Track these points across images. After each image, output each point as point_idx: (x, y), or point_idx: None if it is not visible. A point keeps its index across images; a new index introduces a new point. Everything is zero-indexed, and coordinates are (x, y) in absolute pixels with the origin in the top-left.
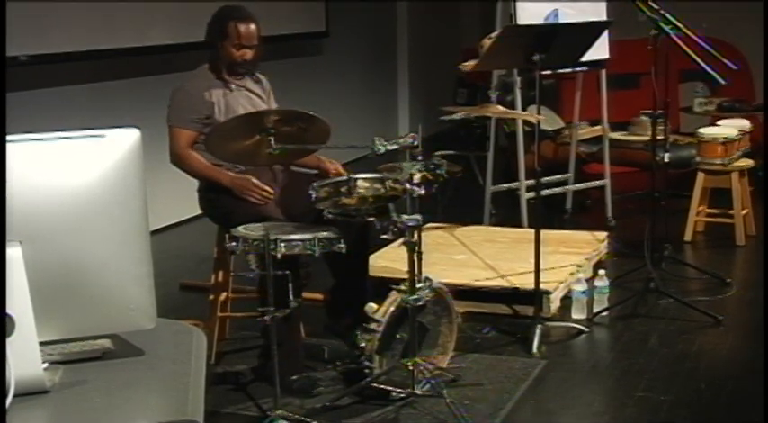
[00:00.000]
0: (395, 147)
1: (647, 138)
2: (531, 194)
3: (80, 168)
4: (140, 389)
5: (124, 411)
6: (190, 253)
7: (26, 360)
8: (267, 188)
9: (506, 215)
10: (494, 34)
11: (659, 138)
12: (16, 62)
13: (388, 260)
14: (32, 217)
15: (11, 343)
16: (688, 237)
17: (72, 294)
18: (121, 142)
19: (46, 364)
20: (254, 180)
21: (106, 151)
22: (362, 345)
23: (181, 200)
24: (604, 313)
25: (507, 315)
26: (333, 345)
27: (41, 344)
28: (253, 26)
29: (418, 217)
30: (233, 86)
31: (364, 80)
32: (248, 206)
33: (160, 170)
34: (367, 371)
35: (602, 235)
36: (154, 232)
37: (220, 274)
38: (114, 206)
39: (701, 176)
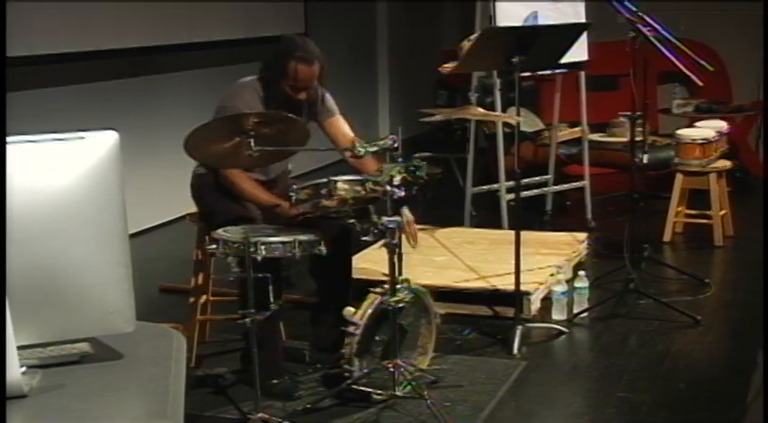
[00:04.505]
0: (375, 149)
1: (625, 139)
2: (512, 196)
3: (58, 171)
4: (119, 393)
5: (103, 415)
6: (169, 256)
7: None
8: (301, 215)
9: (486, 217)
10: (473, 36)
11: (638, 139)
12: None
13: (369, 262)
14: (9, 219)
15: None
16: (667, 237)
17: (50, 297)
18: (100, 145)
19: (24, 369)
20: (293, 211)
21: (84, 154)
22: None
23: (160, 203)
24: (584, 314)
25: (488, 316)
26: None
27: (19, 348)
28: (315, 67)
29: (398, 218)
30: None
31: (344, 82)
32: (230, 207)
33: (139, 173)
34: (347, 374)
35: (582, 236)
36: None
37: (200, 276)
38: (92, 209)
39: (679, 177)
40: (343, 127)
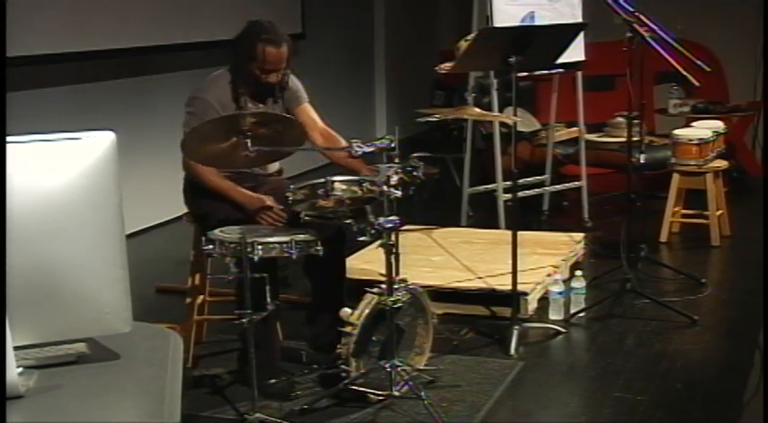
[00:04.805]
0: (372, 149)
1: (622, 139)
2: (508, 196)
3: (54, 171)
4: (116, 393)
5: (100, 416)
6: (166, 256)
7: None
8: (281, 213)
9: (483, 217)
10: (470, 36)
11: (635, 139)
12: None
13: (366, 262)
14: (6, 220)
15: None
16: (664, 237)
17: (46, 298)
18: (96, 145)
19: (20, 369)
20: (270, 202)
21: (81, 154)
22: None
23: (157, 203)
24: (581, 314)
25: (485, 316)
26: (311, 348)
27: (15, 348)
28: (283, 49)
29: (395, 219)
30: (250, 105)
31: (341, 82)
32: (223, 209)
33: (136, 173)
34: (344, 374)
35: (579, 236)
36: (129, 235)
37: (197, 277)
38: (89, 209)
39: (676, 177)
40: (312, 114)
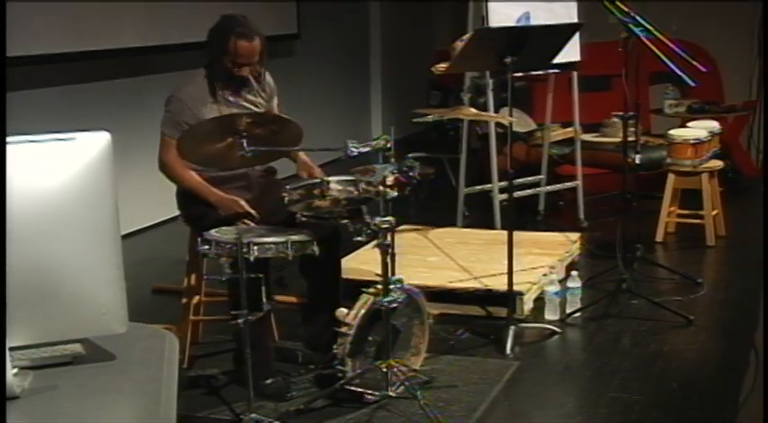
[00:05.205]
0: (368, 149)
1: (618, 139)
2: (504, 196)
3: (50, 172)
4: (112, 394)
5: (95, 417)
6: (162, 256)
7: None
8: (253, 212)
9: (479, 217)
10: (466, 37)
11: (630, 139)
12: None
13: (361, 262)
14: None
15: None
16: (659, 237)
17: (42, 299)
18: (92, 145)
19: (15, 370)
20: (242, 202)
21: (76, 154)
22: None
23: (152, 203)
24: (577, 314)
25: (481, 317)
26: (307, 348)
27: (10, 349)
28: (255, 42)
29: (391, 219)
30: (231, 99)
31: (337, 82)
32: (216, 212)
33: (131, 174)
34: (340, 374)
35: (575, 236)
36: (125, 236)
37: (193, 277)
38: (85, 210)
39: (671, 177)
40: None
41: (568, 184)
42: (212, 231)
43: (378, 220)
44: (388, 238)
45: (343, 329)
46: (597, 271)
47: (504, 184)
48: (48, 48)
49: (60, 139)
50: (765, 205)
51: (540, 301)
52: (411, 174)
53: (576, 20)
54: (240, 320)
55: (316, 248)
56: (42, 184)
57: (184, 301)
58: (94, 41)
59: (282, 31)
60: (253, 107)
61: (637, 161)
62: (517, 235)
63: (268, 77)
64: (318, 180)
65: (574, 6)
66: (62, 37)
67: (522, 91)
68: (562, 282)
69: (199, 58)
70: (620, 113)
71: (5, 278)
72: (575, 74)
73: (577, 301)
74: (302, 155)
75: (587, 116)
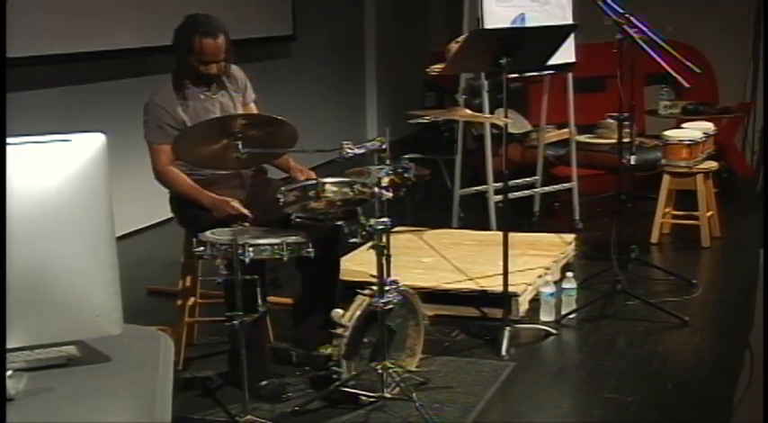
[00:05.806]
0: (363, 150)
1: (613, 140)
2: (499, 197)
3: (45, 173)
4: (107, 395)
5: (90, 418)
6: (157, 258)
7: None
8: (246, 212)
9: (474, 218)
10: (461, 38)
11: (625, 140)
12: None
13: (357, 264)
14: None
15: None
16: (654, 238)
17: (36, 300)
18: (86, 147)
19: (10, 372)
20: (235, 203)
21: (71, 156)
22: (328, 352)
23: (147, 205)
24: (572, 315)
25: (476, 318)
26: (301, 350)
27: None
28: (220, 40)
29: (387, 220)
30: (203, 96)
31: (332, 84)
32: (209, 216)
33: (126, 175)
34: (335, 376)
35: (570, 237)
36: (120, 237)
37: (188, 279)
38: (79, 211)
39: (666, 178)
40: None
41: (564, 186)
42: (207, 233)
43: (373, 221)
44: (384, 239)
45: (339, 331)
46: (592, 272)
47: (499, 185)
48: (48, 48)
49: (55, 141)
50: (766, 205)
51: (535, 302)
52: (406, 175)
53: (571, 21)
54: (235, 322)
55: (311, 250)
56: (37, 185)
57: (179, 302)
58: (94, 42)
59: (278, 32)
60: (227, 102)
61: (632, 162)
62: (512, 236)
63: (236, 70)
64: (314, 181)
65: (569, 8)
66: (62, 37)
67: (518, 92)
68: (557, 283)
69: None
70: (615, 114)
71: (5, 281)
72: (570, 75)
73: (573, 303)
74: (292, 162)
75: (582, 117)
